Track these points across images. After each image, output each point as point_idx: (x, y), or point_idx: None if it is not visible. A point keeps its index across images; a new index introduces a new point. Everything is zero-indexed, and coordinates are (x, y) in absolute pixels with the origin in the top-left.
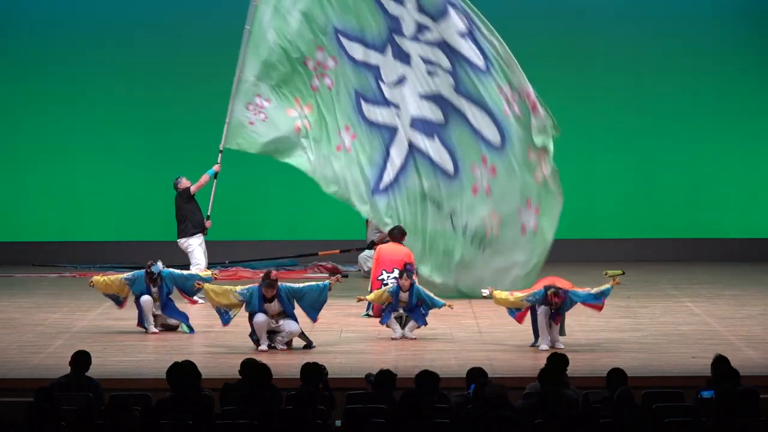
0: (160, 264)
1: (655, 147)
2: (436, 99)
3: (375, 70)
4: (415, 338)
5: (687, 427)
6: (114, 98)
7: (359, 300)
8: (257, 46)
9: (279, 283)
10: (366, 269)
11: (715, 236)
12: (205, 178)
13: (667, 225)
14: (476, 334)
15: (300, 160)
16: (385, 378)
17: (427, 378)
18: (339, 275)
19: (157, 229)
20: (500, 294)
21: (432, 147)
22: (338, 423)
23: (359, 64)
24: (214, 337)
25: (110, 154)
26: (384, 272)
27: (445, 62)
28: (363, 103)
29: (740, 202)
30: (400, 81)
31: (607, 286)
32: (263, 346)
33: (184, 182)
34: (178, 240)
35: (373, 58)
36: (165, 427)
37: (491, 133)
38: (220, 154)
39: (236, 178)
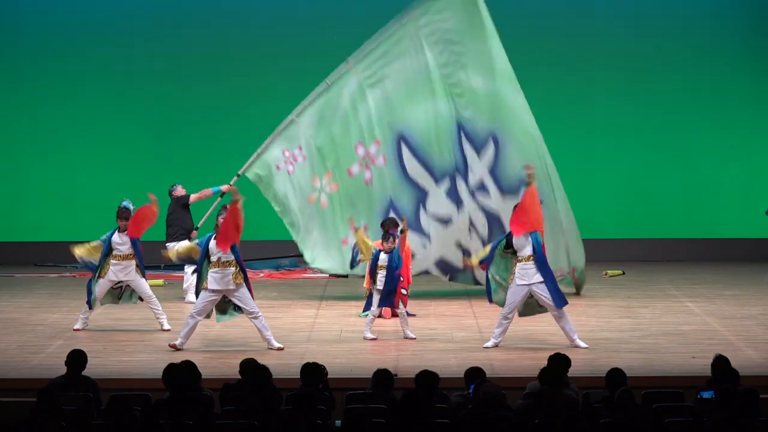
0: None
1: (655, 147)
2: (465, 254)
3: (422, 194)
4: (415, 338)
5: (687, 427)
6: (114, 98)
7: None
8: (325, 104)
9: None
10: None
11: (715, 236)
12: (207, 192)
13: (667, 225)
14: (476, 334)
15: (294, 229)
16: (383, 377)
17: (427, 378)
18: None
19: (157, 229)
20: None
21: None
22: (338, 423)
23: (408, 180)
24: (214, 337)
25: (110, 154)
26: None
27: (485, 234)
28: (392, 214)
29: (740, 202)
30: (445, 221)
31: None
32: None
33: (180, 190)
34: (166, 244)
35: (426, 182)
36: (165, 427)
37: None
38: (236, 177)
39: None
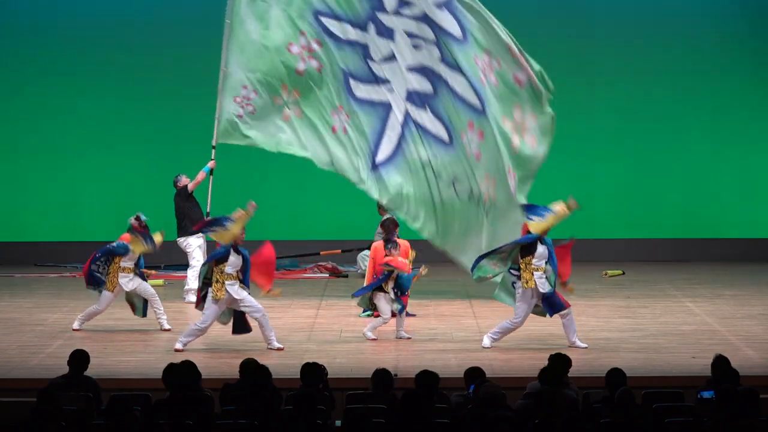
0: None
1: (655, 147)
2: (423, 71)
3: (361, 48)
4: (410, 337)
5: (687, 427)
6: (114, 98)
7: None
8: (238, 39)
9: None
10: (363, 268)
11: (715, 236)
12: (201, 175)
13: (667, 225)
14: (476, 334)
15: (292, 148)
16: (383, 377)
17: (427, 378)
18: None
19: (157, 229)
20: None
21: (426, 118)
22: (338, 423)
23: (344, 43)
24: (214, 337)
25: (110, 154)
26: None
27: (429, 34)
28: (352, 82)
29: (740, 202)
30: (389, 57)
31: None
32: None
33: (184, 180)
34: (177, 239)
35: (357, 36)
36: (165, 427)
37: (473, 99)
38: (213, 150)
39: (236, 177)
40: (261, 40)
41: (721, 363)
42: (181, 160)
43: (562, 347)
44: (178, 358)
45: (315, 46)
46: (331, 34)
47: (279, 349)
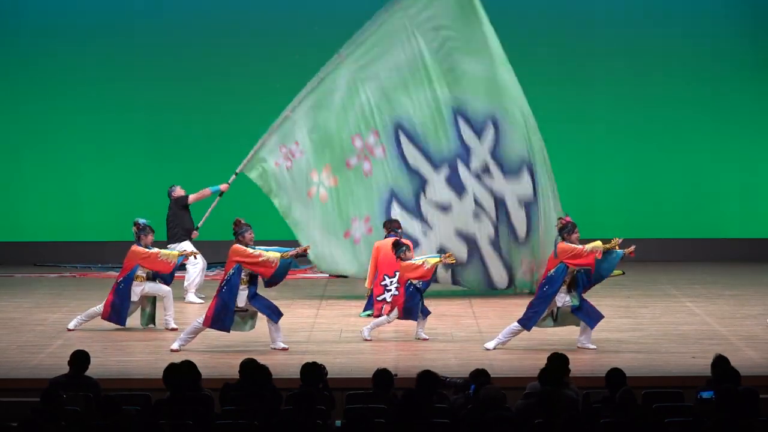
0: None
1: (655, 147)
2: (469, 242)
3: (421, 181)
4: (427, 338)
5: (687, 427)
6: (114, 98)
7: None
8: (319, 98)
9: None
10: None
11: (715, 236)
12: (206, 192)
13: (667, 225)
14: (476, 334)
15: (297, 227)
16: (383, 377)
17: (428, 378)
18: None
19: (157, 229)
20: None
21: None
22: (338, 423)
23: (408, 168)
24: (214, 337)
25: (110, 153)
26: (386, 277)
27: (494, 215)
28: (395, 204)
29: (740, 202)
30: (444, 206)
31: None
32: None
33: (178, 191)
34: (168, 245)
35: (426, 170)
36: (165, 427)
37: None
38: (234, 176)
39: (237, 177)
40: (337, 115)
41: (721, 363)
42: (181, 161)
43: (562, 347)
44: (178, 358)
45: (378, 151)
46: (401, 152)
47: (283, 349)
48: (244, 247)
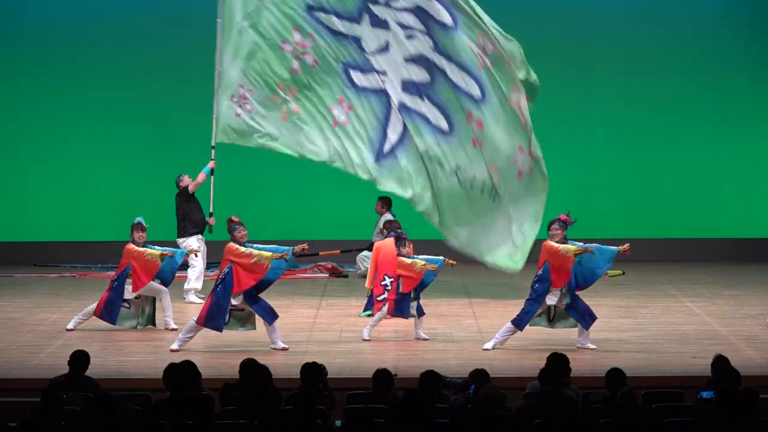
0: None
1: (655, 147)
2: (419, 60)
3: (356, 41)
4: (427, 338)
5: (687, 427)
6: (114, 98)
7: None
8: (231, 38)
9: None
10: (363, 269)
11: (715, 236)
12: (201, 176)
13: (667, 225)
14: (476, 334)
15: (289, 150)
16: (383, 377)
17: (430, 378)
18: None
19: (157, 229)
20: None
21: (424, 107)
22: (338, 423)
23: (340, 36)
24: (214, 337)
25: (110, 153)
26: (386, 277)
27: (420, 25)
28: (352, 72)
29: (740, 202)
30: (383, 48)
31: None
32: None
33: (186, 180)
34: (177, 239)
35: (351, 29)
36: (165, 427)
37: (471, 87)
38: (213, 150)
39: (236, 177)
40: (254, 39)
41: (721, 363)
42: (181, 161)
43: (562, 347)
44: (178, 358)
45: (309, 42)
46: (326, 27)
47: (284, 349)
48: (238, 246)
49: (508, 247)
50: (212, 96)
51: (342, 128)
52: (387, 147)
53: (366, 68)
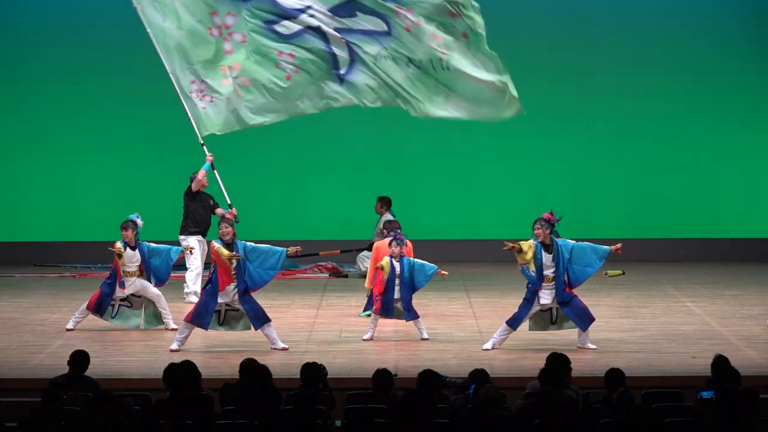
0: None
1: (656, 147)
2: None
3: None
4: (427, 338)
5: (687, 427)
6: (114, 98)
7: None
8: (164, 41)
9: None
10: (363, 269)
11: (715, 236)
12: (202, 173)
13: (667, 225)
14: (476, 334)
15: (261, 119)
16: (383, 377)
17: (430, 378)
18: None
19: (157, 229)
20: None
21: (361, 21)
22: (338, 423)
23: (251, 2)
24: (214, 337)
25: (110, 153)
26: None
27: None
28: (276, 27)
29: (740, 202)
30: None
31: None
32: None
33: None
34: (179, 236)
35: None
36: (165, 427)
37: None
38: (203, 147)
39: (236, 177)
40: (182, 35)
41: (721, 363)
42: (180, 160)
43: (562, 347)
44: (178, 358)
45: (229, 20)
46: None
47: (284, 349)
48: (220, 245)
49: (494, 92)
50: None
51: (296, 76)
52: (343, 69)
53: (287, 14)
